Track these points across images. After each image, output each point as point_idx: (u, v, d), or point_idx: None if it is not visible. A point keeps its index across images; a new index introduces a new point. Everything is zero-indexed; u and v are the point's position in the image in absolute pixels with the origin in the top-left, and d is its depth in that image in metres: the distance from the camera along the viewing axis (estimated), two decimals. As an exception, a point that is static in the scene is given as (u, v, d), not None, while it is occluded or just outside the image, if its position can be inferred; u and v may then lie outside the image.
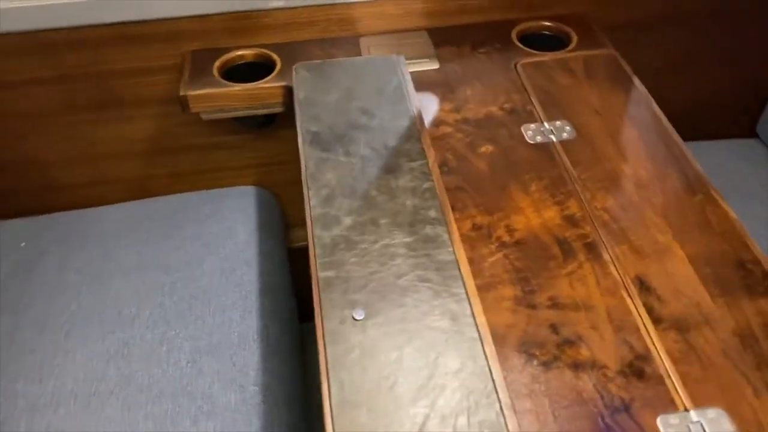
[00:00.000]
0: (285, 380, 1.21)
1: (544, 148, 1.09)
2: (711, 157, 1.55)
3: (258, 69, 1.30)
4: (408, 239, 0.89)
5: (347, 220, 0.91)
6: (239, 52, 1.31)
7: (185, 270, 1.32)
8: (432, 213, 0.93)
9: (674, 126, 1.14)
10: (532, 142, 1.10)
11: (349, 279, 0.84)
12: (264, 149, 1.48)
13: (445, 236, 0.89)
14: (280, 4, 1.28)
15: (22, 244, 1.43)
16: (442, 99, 1.19)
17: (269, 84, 1.24)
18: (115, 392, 1.14)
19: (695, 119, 1.63)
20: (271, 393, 1.16)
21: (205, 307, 1.25)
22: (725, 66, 1.56)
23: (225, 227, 1.41)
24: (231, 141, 1.46)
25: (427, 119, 1.15)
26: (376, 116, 1.08)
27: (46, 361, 1.19)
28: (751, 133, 1.59)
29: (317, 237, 0.89)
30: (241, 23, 1.32)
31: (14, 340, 1.22)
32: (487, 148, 1.09)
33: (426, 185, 0.96)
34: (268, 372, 1.17)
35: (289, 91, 1.22)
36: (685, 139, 1.47)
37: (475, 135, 1.11)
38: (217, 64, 1.28)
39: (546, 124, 1.13)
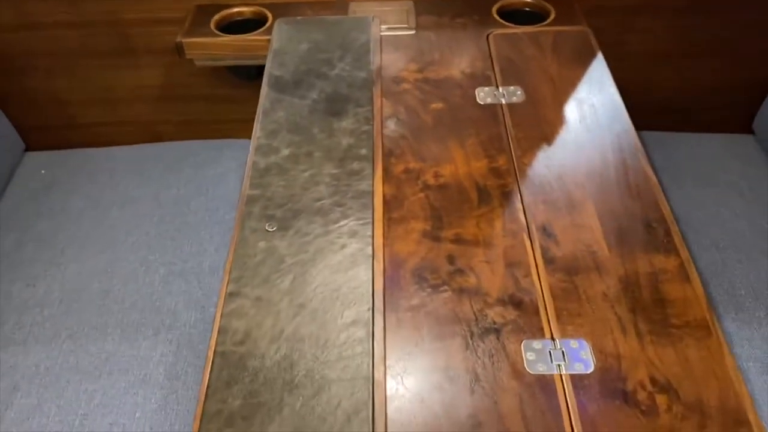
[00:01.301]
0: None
1: (491, 108, 1.16)
2: (702, 149, 1.57)
3: (256, 25, 1.42)
4: (335, 171, 0.98)
5: (285, 151, 1.01)
6: (238, 9, 1.43)
7: (174, 206, 1.45)
8: (363, 151, 1.02)
9: (667, 115, 1.17)
10: (482, 102, 1.17)
11: (272, 198, 0.94)
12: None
13: (369, 171, 0.98)
14: None
15: (42, 171, 1.60)
16: (409, 60, 1.28)
17: (256, 36, 1.35)
18: (95, 301, 1.28)
19: (689, 110, 1.65)
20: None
21: (184, 238, 1.38)
22: (721, 59, 1.57)
23: (218, 173, 1.54)
24: (236, 94, 1.58)
25: (390, 76, 1.23)
26: (337, 67, 1.17)
27: (40, 270, 1.34)
28: (746, 129, 1.59)
29: (254, 162, 0.99)
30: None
31: (18, 250, 1.39)
32: (437, 105, 1.17)
33: (365, 128, 1.05)
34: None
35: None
36: (678, 129, 1.50)
37: (431, 93, 1.19)
38: (215, 17, 1.40)
39: (500, 88, 1.20)
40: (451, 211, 0.98)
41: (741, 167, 1.51)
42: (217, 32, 1.37)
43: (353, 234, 0.89)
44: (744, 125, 1.58)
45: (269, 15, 1.41)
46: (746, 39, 1.54)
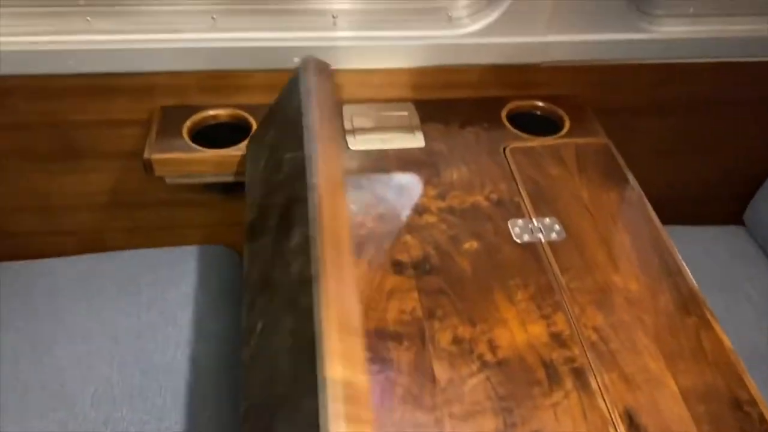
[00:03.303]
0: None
1: (532, 248, 1.03)
2: (696, 244, 1.52)
3: (232, 131, 1.22)
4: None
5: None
6: (213, 112, 1.23)
7: (137, 342, 1.22)
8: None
9: (661, 210, 1.10)
10: (519, 240, 1.04)
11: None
12: (233, 209, 1.39)
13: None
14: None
15: (-40, 297, 1.32)
16: (427, 182, 1.13)
17: (241, 151, 1.16)
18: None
19: (682, 204, 1.60)
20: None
21: (156, 386, 1.16)
22: (713, 153, 1.53)
23: (184, 293, 1.31)
24: (198, 199, 1.37)
25: (408, 203, 1.08)
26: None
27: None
28: (737, 220, 1.56)
29: None
30: (218, 82, 1.23)
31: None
32: (471, 245, 1.03)
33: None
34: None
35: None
36: (671, 222, 1.44)
37: (460, 228, 1.05)
38: (187, 124, 1.19)
39: (534, 220, 1.07)
40: (521, 399, 0.83)
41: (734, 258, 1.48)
42: (192, 144, 1.16)
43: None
44: (735, 216, 1.55)
45: (251, 120, 1.21)
46: (737, 137, 1.51)
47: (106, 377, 1.17)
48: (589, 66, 1.32)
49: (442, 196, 1.10)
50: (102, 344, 1.22)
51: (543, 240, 1.04)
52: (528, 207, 1.09)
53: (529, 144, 1.22)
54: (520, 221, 1.07)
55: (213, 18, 1.18)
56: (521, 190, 1.12)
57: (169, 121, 1.21)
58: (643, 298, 0.97)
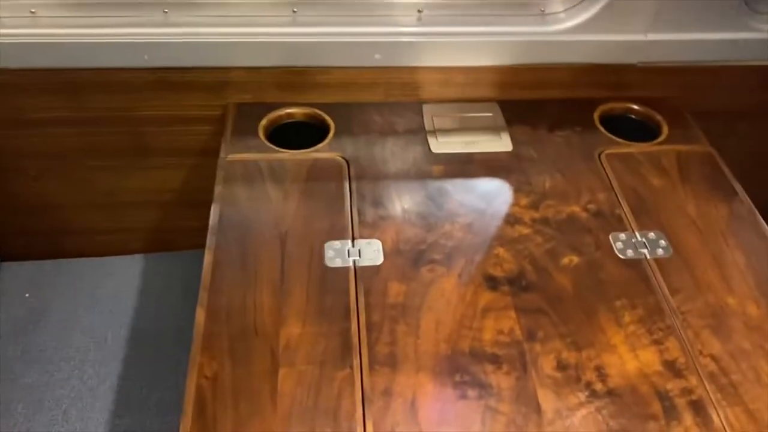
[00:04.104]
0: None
1: (637, 266, 0.94)
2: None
3: (310, 130, 1.16)
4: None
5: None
6: (289, 110, 1.17)
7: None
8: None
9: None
10: (622, 256, 0.95)
11: None
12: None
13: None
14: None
15: (27, 295, 1.29)
16: (517, 190, 1.05)
17: (320, 153, 1.10)
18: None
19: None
20: None
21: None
22: None
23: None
24: None
25: (501, 214, 1.01)
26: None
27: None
28: None
29: None
30: (294, 78, 1.17)
31: None
32: (570, 260, 0.95)
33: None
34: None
35: (345, 163, 1.08)
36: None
37: (557, 241, 0.97)
38: (263, 122, 1.14)
39: (638, 234, 0.98)
40: (636, 434, 0.76)
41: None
42: (269, 144, 1.10)
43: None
44: None
45: (328, 119, 1.15)
46: None
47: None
48: (689, 67, 1.22)
49: (535, 206, 1.02)
50: (163, 344, 1.19)
51: (648, 257, 0.96)
52: (630, 219, 1.01)
53: (626, 150, 1.13)
54: (622, 235, 0.98)
55: (293, 11, 1.12)
56: (621, 201, 1.04)
57: (244, 118, 1.15)
58: (763, 323, 0.88)
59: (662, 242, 0.98)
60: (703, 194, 1.06)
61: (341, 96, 1.19)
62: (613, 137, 1.16)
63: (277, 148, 1.10)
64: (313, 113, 1.17)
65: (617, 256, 0.96)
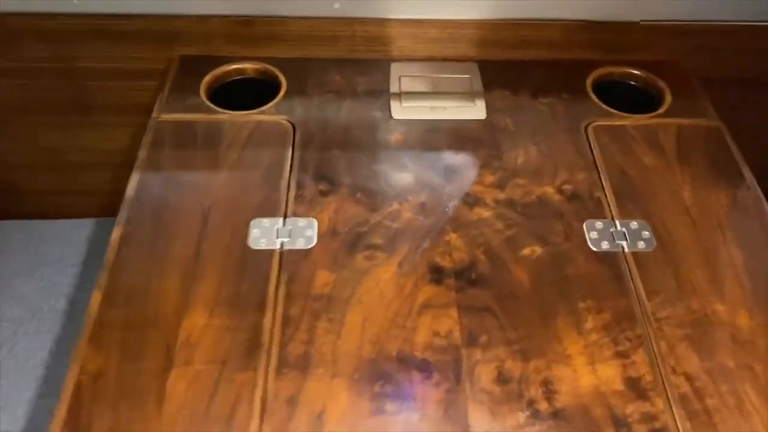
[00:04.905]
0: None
1: (612, 260, 0.80)
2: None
3: (260, 88, 1.04)
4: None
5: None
6: (238, 66, 1.04)
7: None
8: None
9: None
10: (595, 248, 0.82)
11: None
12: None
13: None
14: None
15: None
16: (484, 165, 0.91)
17: (265, 116, 0.97)
18: None
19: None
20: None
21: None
22: None
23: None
24: None
25: (458, 192, 0.87)
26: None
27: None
28: None
29: None
30: (245, 29, 1.05)
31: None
32: (533, 250, 0.81)
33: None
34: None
35: (292, 127, 0.96)
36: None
37: (521, 227, 0.84)
38: (207, 79, 1.01)
39: (617, 223, 0.84)
40: (582, 471, 0.63)
41: None
42: (209, 103, 0.98)
43: None
44: None
45: (281, 78, 1.02)
46: None
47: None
48: (701, 26, 1.06)
49: (501, 185, 0.89)
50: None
51: (626, 249, 0.82)
52: (611, 205, 0.86)
53: (619, 122, 0.98)
54: (598, 223, 0.84)
55: None
56: (604, 182, 0.89)
57: (187, 74, 1.03)
58: (753, 339, 0.73)
59: (645, 233, 0.83)
60: (702, 177, 0.90)
61: (298, 51, 1.06)
62: (606, 107, 1.00)
63: (218, 109, 0.98)
64: (265, 69, 1.05)
65: (589, 248, 0.82)
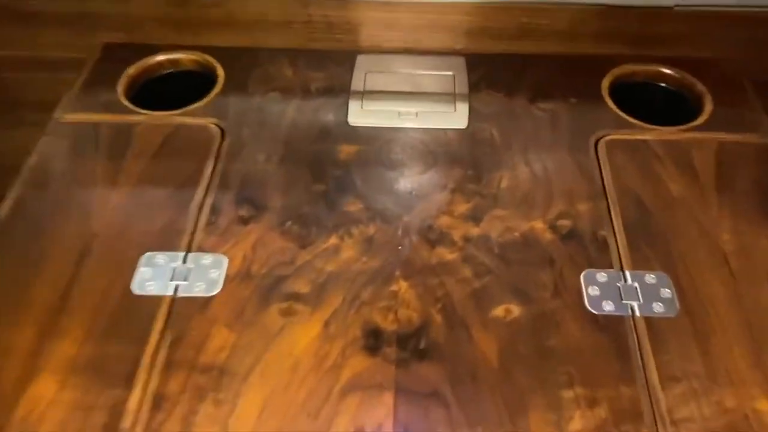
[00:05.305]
0: None
1: (615, 328, 0.59)
2: None
3: (197, 83, 0.85)
4: None
5: None
6: (169, 56, 0.85)
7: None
8: None
9: None
10: (595, 310, 0.60)
11: None
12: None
13: None
14: None
15: None
16: (456, 190, 0.71)
17: (189, 118, 0.78)
18: None
19: None
20: None
21: None
22: None
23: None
24: None
25: (417, 225, 0.67)
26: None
27: None
28: None
29: None
30: (181, 12, 0.86)
31: None
32: (508, 310, 0.60)
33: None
34: None
35: (220, 133, 0.77)
36: None
37: (496, 276, 0.63)
38: (130, 72, 0.83)
39: (628, 275, 0.63)
40: None
41: None
42: (125, 101, 0.80)
43: None
44: None
45: (219, 70, 0.83)
46: None
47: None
48: (750, 14, 0.83)
49: (475, 216, 0.68)
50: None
51: (638, 313, 0.60)
52: (621, 249, 0.65)
53: (641, 136, 0.75)
54: (602, 274, 0.63)
55: None
56: (613, 217, 0.67)
57: (109, 65, 0.85)
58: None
59: (666, 291, 0.61)
60: (749, 214, 0.68)
61: (245, 39, 0.87)
62: (625, 116, 0.78)
63: (134, 108, 0.79)
64: (202, 60, 0.86)
65: (587, 309, 0.60)
